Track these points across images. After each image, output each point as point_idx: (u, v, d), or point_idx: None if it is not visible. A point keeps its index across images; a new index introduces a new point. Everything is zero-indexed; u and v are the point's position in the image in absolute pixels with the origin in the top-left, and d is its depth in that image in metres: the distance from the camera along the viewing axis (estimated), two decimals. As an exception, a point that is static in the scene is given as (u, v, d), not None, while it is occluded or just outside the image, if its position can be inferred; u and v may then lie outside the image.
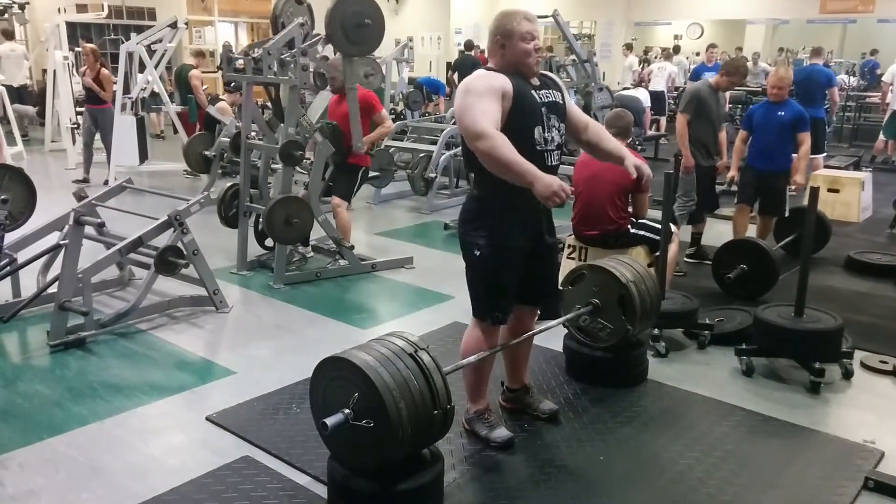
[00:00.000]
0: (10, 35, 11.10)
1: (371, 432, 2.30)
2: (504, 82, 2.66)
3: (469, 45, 12.61)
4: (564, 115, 2.88)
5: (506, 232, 2.78)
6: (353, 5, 4.68)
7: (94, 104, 8.32)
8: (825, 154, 8.34)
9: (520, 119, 2.68)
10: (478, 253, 2.80)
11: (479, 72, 2.75)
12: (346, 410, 2.33)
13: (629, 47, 15.06)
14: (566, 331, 3.73)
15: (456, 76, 12.05)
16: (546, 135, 2.76)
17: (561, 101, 2.86)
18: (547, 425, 3.15)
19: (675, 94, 12.29)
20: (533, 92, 2.75)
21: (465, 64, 11.85)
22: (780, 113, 5.13)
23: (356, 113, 4.97)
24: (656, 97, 11.33)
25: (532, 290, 2.99)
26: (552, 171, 2.75)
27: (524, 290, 2.92)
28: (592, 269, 3.42)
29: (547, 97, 2.80)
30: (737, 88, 8.49)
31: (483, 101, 2.60)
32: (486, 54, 3.68)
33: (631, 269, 3.39)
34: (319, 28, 4.98)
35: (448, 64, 15.27)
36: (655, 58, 15.41)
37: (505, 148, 2.53)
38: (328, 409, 2.39)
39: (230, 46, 5.66)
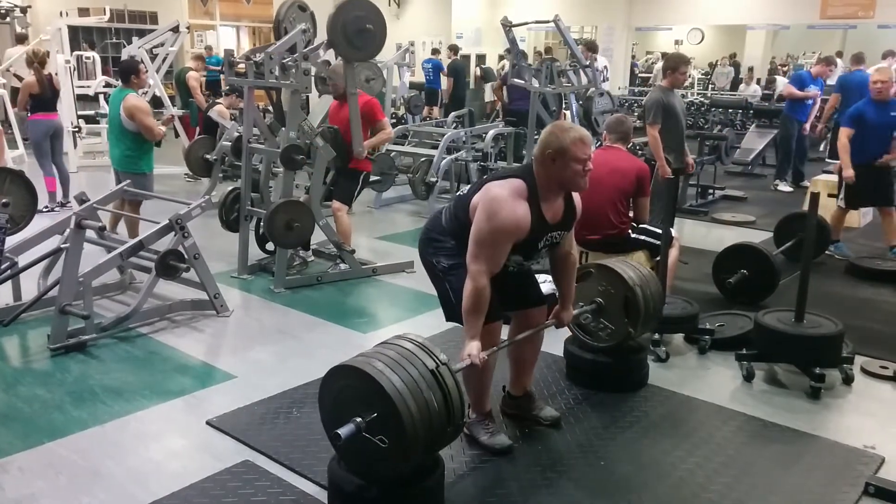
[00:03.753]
0: (23, 40, 11.16)
1: (383, 446, 2.31)
2: (525, 222, 2.67)
3: (455, 49, 12.88)
4: (557, 246, 2.95)
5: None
6: (356, 11, 4.70)
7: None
8: None
9: (513, 249, 2.75)
10: (443, 266, 2.88)
11: (509, 197, 2.65)
12: (358, 419, 2.32)
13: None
14: (567, 335, 3.73)
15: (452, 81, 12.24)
16: (525, 262, 2.91)
17: (561, 238, 2.92)
18: (548, 430, 3.15)
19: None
20: (543, 236, 2.81)
21: (459, 68, 12.31)
22: (892, 113, 5.53)
23: (357, 118, 4.98)
24: None
25: (513, 297, 3.00)
26: (508, 275, 2.87)
27: (504, 298, 2.91)
28: (600, 268, 3.42)
29: (554, 238, 2.87)
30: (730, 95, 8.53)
31: (500, 247, 2.68)
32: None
33: (637, 272, 3.39)
34: (321, 35, 4.99)
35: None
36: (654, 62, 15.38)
37: (482, 298, 2.66)
38: (338, 416, 2.39)
39: (232, 51, 5.68)
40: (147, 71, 5.92)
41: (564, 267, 3.05)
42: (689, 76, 6.37)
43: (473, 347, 2.66)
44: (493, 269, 2.70)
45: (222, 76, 13.31)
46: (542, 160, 2.71)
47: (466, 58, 15.86)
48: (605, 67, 8.28)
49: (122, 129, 5.35)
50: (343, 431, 2.29)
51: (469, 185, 2.97)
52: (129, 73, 5.46)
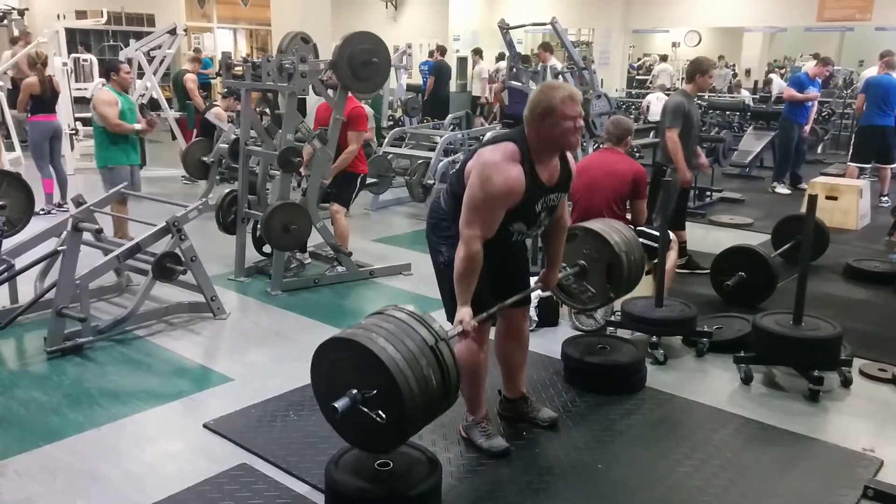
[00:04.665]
0: (18, 42, 11.17)
1: (380, 421, 2.30)
2: (519, 186, 2.65)
3: (443, 50, 12.96)
4: (554, 210, 2.94)
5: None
6: (363, 43, 4.73)
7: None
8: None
9: (511, 216, 2.73)
10: (443, 258, 2.86)
11: (501, 161, 2.64)
12: (354, 391, 2.30)
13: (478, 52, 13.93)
14: (564, 338, 3.73)
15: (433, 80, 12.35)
16: (528, 231, 2.88)
17: (558, 201, 2.90)
18: (545, 433, 3.14)
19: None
20: (540, 198, 2.78)
21: (443, 69, 12.44)
22: None
23: (334, 142, 4.94)
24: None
25: (505, 290, 2.96)
26: (514, 244, 2.88)
27: (497, 291, 2.89)
28: (586, 231, 3.40)
29: (551, 202, 2.85)
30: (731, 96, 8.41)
31: (494, 212, 2.67)
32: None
33: (622, 236, 3.39)
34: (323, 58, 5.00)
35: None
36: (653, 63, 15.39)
37: (475, 263, 2.66)
38: (333, 383, 2.38)
39: (229, 54, 5.68)
40: (130, 71, 6.15)
41: (555, 230, 3.06)
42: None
43: (465, 314, 2.65)
44: (487, 234, 2.68)
45: (214, 78, 13.34)
46: (531, 120, 2.70)
47: (464, 60, 15.90)
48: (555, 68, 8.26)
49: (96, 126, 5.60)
50: (339, 405, 2.28)
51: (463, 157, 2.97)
52: (109, 70, 5.73)
